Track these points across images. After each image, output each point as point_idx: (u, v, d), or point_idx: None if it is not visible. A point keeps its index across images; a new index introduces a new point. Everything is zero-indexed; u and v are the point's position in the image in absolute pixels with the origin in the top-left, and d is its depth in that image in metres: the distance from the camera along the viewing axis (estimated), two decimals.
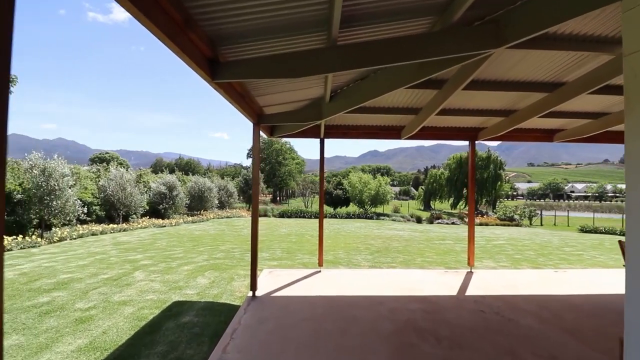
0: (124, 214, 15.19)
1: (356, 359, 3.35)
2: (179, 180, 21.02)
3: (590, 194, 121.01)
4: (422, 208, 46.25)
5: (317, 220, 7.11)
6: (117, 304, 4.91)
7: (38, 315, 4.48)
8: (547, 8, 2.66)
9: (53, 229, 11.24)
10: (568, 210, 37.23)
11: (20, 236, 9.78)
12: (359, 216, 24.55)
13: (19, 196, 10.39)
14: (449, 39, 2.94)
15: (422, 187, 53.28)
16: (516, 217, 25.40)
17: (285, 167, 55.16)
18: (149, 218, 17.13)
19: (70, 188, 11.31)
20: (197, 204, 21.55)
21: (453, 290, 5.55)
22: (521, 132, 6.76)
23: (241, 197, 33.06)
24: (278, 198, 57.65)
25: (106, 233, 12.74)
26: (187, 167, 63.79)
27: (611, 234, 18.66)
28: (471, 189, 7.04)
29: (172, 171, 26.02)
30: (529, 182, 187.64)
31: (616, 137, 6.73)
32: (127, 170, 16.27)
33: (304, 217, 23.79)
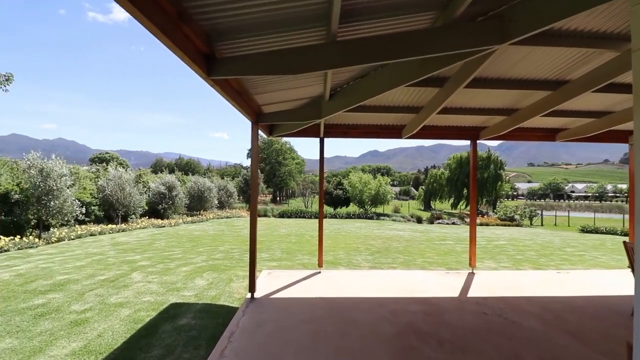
0: (122, 214, 15.12)
1: None
2: (179, 180, 20.94)
3: (590, 194, 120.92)
4: (423, 208, 46.17)
5: (317, 221, 7.03)
6: (113, 305, 4.83)
7: (33, 317, 4.40)
8: (553, 3, 2.58)
9: (51, 229, 11.17)
10: (569, 210, 37.17)
11: (18, 237, 9.70)
12: (359, 216, 24.47)
13: (16, 196, 10.32)
14: (451, 35, 2.87)
15: (422, 187, 53.20)
16: (517, 217, 25.33)
17: (285, 167, 55.08)
18: (148, 218, 17.05)
19: (68, 188, 11.24)
20: (197, 204, 21.47)
21: (455, 292, 5.47)
22: (523, 132, 6.68)
23: (241, 197, 33.02)
24: (278, 198, 57.57)
25: (105, 233, 12.67)
26: (187, 167, 63.74)
27: (612, 234, 18.57)
28: (473, 189, 6.96)
29: (171, 171, 25.95)
30: (529, 182, 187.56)
31: (619, 137, 6.65)
32: (126, 170, 16.19)
33: (303, 217, 23.72)
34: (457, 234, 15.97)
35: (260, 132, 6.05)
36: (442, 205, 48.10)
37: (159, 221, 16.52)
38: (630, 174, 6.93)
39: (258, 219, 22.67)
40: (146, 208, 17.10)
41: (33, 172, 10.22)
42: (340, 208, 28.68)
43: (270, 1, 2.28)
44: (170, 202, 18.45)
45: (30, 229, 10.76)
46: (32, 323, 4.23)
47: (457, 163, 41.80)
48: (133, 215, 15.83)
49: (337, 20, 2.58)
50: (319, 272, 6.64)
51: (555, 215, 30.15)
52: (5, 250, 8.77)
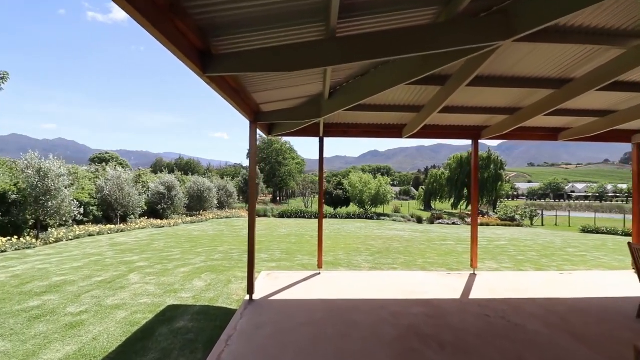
0: (121, 215, 15.04)
1: None
2: (178, 180, 20.87)
3: (590, 194, 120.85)
4: (423, 208, 46.10)
5: (317, 221, 6.96)
6: (109, 308, 4.75)
7: (27, 320, 4.32)
8: None
9: (49, 229, 11.09)
10: (569, 211, 37.09)
11: (15, 237, 9.62)
12: (359, 216, 24.40)
13: (14, 196, 10.24)
14: (454, 31, 2.79)
15: (423, 187, 53.13)
16: (517, 217, 25.25)
17: (285, 167, 55.01)
18: (147, 218, 16.97)
19: (66, 188, 11.16)
20: (196, 204, 21.40)
21: (456, 294, 5.39)
22: (525, 131, 6.61)
23: (241, 198, 32.95)
24: (278, 198, 57.51)
25: (103, 234, 12.59)
26: (187, 167, 63.66)
27: (613, 234, 18.50)
28: (474, 190, 6.88)
29: (171, 171, 25.87)
30: (530, 182, 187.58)
31: (623, 136, 6.58)
32: (125, 170, 16.10)
33: (303, 217, 23.64)
34: (457, 234, 15.89)
35: (259, 131, 5.98)
36: (443, 205, 48.04)
37: (158, 221, 16.44)
38: (634, 173, 6.86)
39: (258, 219, 22.47)
40: (145, 208, 17.01)
41: (30, 172, 10.13)
42: (341, 208, 28.61)
43: None
44: (170, 202, 18.38)
45: (28, 230, 10.68)
46: (27, 326, 4.15)
47: (458, 163, 41.74)
48: (132, 216, 15.75)
49: (337, 16, 2.50)
50: (319, 273, 6.56)
51: (556, 216, 30.08)
52: (2, 251, 8.69)
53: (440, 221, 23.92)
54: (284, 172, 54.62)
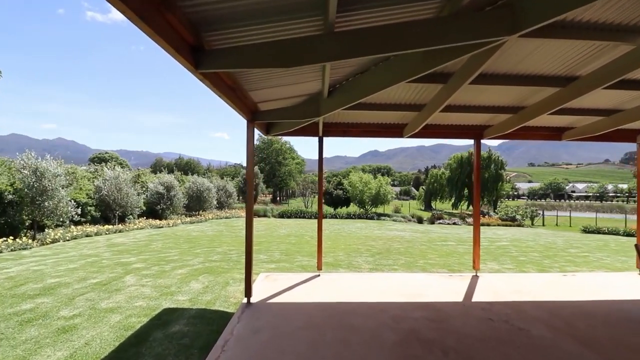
0: (120, 215, 14.93)
1: None
2: (178, 181, 20.76)
3: (591, 194, 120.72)
4: (423, 208, 46.00)
5: (317, 221, 6.84)
6: (103, 311, 4.64)
7: (19, 323, 4.22)
8: None
9: (46, 230, 10.99)
10: (570, 211, 37.00)
11: (11, 238, 9.52)
12: (359, 216, 24.28)
13: (10, 197, 10.13)
14: (457, 25, 2.68)
15: (423, 187, 53.02)
16: (518, 217, 25.14)
17: (285, 167, 54.89)
18: (146, 219, 16.86)
19: (63, 188, 11.05)
20: (196, 204, 21.29)
21: (459, 296, 5.28)
22: (528, 130, 6.49)
23: (240, 198, 32.85)
24: (278, 198, 57.40)
25: (101, 234, 12.48)
26: (187, 167, 63.56)
27: (614, 234, 18.39)
28: (476, 190, 6.76)
29: (171, 171, 25.77)
30: (530, 182, 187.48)
31: (628, 136, 6.47)
32: (123, 170, 16.00)
33: (303, 217, 23.54)
34: (458, 234, 15.78)
35: (257, 131, 5.87)
36: (443, 205, 47.94)
37: (157, 222, 16.34)
38: (639, 173, 6.75)
39: (258, 219, 22.35)
40: (144, 208, 16.91)
41: (27, 172, 10.03)
42: (341, 208, 28.50)
43: None
44: (169, 202, 18.27)
45: (25, 230, 10.57)
46: (18, 330, 4.05)
47: (458, 163, 41.64)
48: (130, 216, 15.65)
49: (335, 9, 2.39)
50: (318, 275, 6.45)
51: (557, 216, 29.97)
52: None
53: (440, 221, 23.81)
54: (284, 172, 54.50)
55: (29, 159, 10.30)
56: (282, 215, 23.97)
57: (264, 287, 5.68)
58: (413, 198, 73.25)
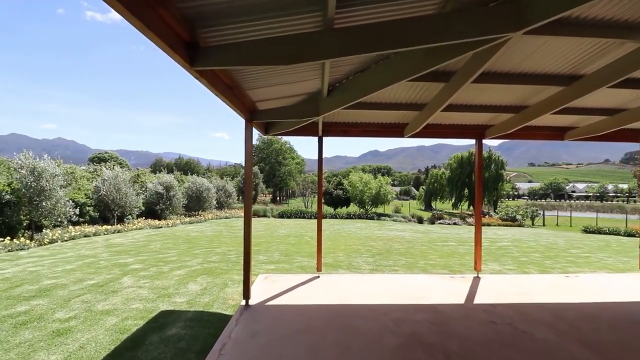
0: (118, 215, 14.86)
1: None
2: (177, 180, 20.69)
3: (591, 194, 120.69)
4: (423, 208, 45.93)
5: (316, 221, 6.76)
6: (99, 313, 4.57)
7: (13, 326, 4.14)
8: None
9: (44, 230, 10.91)
10: (570, 210, 36.93)
11: (8, 238, 9.44)
12: (359, 216, 24.21)
13: (7, 197, 10.05)
14: (461, 21, 2.60)
15: (423, 187, 52.96)
16: (518, 217, 25.07)
17: (285, 167, 54.82)
18: (145, 219, 16.79)
19: (62, 188, 10.98)
20: (195, 204, 21.22)
21: (460, 298, 5.20)
22: (530, 130, 6.41)
23: (240, 198, 32.77)
24: (278, 198, 57.32)
25: (99, 234, 12.40)
26: (186, 167, 63.44)
27: (615, 234, 18.33)
28: (478, 190, 6.68)
29: (170, 171, 25.70)
30: (530, 182, 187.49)
31: (631, 136, 6.39)
32: (122, 170, 15.92)
33: (303, 217, 23.46)
34: (458, 234, 15.71)
35: (256, 131, 5.80)
36: (443, 205, 47.86)
37: (156, 222, 16.26)
38: None
39: (257, 219, 22.24)
40: (143, 209, 16.83)
41: (24, 172, 9.95)
42: (341, 208, 28.42)
43: None
44: (168, 202, 18.20)
45: (22, 231, 10.50)
46: (12, 333, 3.97)
47: (458, 163, 41.57)
48: (129, 216, 15.57)
49: (334, 4, 2.31)
50: (318, 277, 6.37)
51: (557, 216, 29.90)
52: None
53: (441, 221, 23.74)
54: (284, 172, 54.43)
55: (26, 159, 10.23)
56: (281, 216, 23.90)
57: (262, 288, 5.61)
58: (413, 198, 73.18)
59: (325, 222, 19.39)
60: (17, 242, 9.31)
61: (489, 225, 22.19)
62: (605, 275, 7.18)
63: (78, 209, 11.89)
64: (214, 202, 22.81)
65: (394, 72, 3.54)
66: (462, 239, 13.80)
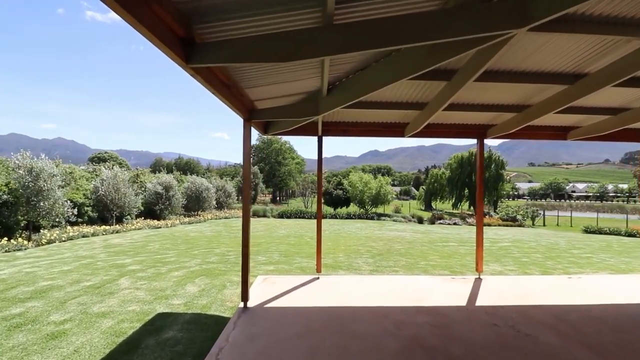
0: (117, 215, 14.78)
1: None
2: (177, 180, 20.61)
3: (591, 194, 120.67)
4: (423, 208, 45.86)
5: (316, 221, 6.69)
6: (95, 316, 4.49)
7: (7, 329, 4.07)
8: None
9: (41, 231, 10.84)
10: (571, 211, 36.87)
11: (6, 239, 9.37)
12: (359, 216, 24.14)
13: (4, 197, 9.97)
14: (464, 18, 2.53)
15: (423, 187, 52.88)
16: (519, 217, 25.00)
17: (285, 167, 54.74)
18: (144, 219, 16.72)
19: (60, 188, 10.90)
20: (195, 204, 21.15)
21: (462, 300, 5.13)
22: (532, 130, 6.34)
23: (240, 198, 32.68)
24: (278, 198, 57.24)
25: (97, 235, 12.32)
26: (186, 167, 63.32)
27: (616, 234, 18.26)
28: (479, 190, 6.60)
29: (170, 171, 25.63)
30: (530, 182, 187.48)
31: (635, 136, 6.31)
32: (121, 170, 15.84)
33: (303, 217, 23.40)
34: (459, 234, 15.64)
35: (256, 131, 5.73)
36: (443, 206, 47.80)
37: (155, 222, 16.19)
38: None
39: (257, 219, 22.13)
40: (142, 209, 16.76)
41: (22, 172, 9.87)
42: (341, 208, 28.35)
43: None
44: (167, 202, 18.13)
45: (20, 231, 10.42)
46: (5, 336, 3.90)
47: (458, 163, 41.50)
48: (128, 216, 15.50)
49: (333, 0, 2.24)
50: (318, 278, 6.30)
51: (558, 216, 29.83)
52: None
53: (441, 221, 23.67)
54: (284, 172, 54.34)
55: (24, 159, 10.15)
56: (281, 216, 23.83)
57: (261, 290, 5.53)
58: (413, 198, 73.10)
59: (325, 222, 19.32)
60: (15, 243, 9.23)
61: (489, 225, 22.12)
62: (607, 277, 7.11)
63: (76, 209, 11.82)
64: (214, 202, 22.73)
65: (394, 70, 3.47)
66: (462, 239, 13.73)
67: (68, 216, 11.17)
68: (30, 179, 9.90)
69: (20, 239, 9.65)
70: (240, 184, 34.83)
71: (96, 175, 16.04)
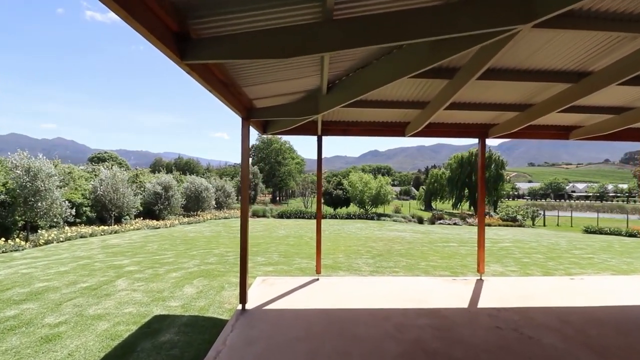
0: (116, 215, 14.70)
1: None
2: (176, 180, 20.53)
3: (591, 194, 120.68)
4: (423, 208, 45.80)
5: (316, 221, 6.62)
6: (91, 318, 4.42)
7: (0, 332, 3.99)
8: None
9: (39, 231, 10.75)
10: (571, 211, 36.80)
11: (3, 239, 9.28)
12: (359, 217, 24.06)
13: (2, 197, 9.89)
14: (467, 13, 2.46)
15: (423, 187, 52.82)
16: (519, 217, 24.93)
17: (284, 167, 54.65)
18: (143, 219, 16.64)
19: (58, 189, 10.82)
20: (194, 204, 21.07)
21: (464, 302, 5.06)
22: (534, 129, 6.26)
23: (239, 198, 32.63)
24: (277, 198, 57.15)
25: (96, 235, 12.24)
26: (186, 167, 63.21)
27: (617, 234, 18.20)
28: (481, 190, 6.53)
29: (170, 171, 25.55)
30: (530, 182, 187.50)
31: (637, 135, 6.24)
32: (120, 170, 15.76)
33: (303, 217, 23.32)
34: (459, 234, 15.57)
35: (256, 130, 5.66)
36: (443, 206, 47.73)
37: (154, 222, 16.11)
38: None
39: (257, 219, 22.04)
40: (141, 209, 16.68)
41: (18, 171, 9.79)
42: (340, 208, 28.28)
43: None
44: (166, 202, 18.05)
45: (17, 231, 10.34)
46: None
47: (458, 163, 41.42)
48: (127, 216, 15.42)
49: None
50: (317, 279, 6.22)
51: (558, 216, 29.76)
52: None
53: (441, 221, 23.60)
54: (284, 172, 54.25)
55: (21, 159, 10.07)
56: (281, 216, 23.76)
57: (260, 292, 5.46)
58: (413, 198, 73.02)
59: (325, 223, 19.24)
60: (12, 243, 9.15)
61: (489, 225, 22.05)
62: (610, 278, 7.04)
63: (74, 210, 11.74)
64: (213, 202, 22.66)
65: (396, 67, 3.40)
66: (463, 239, 13.66)
67: (66, 216, 11.09)
68: (27, 179, 9.82)
69: (17, 240, 9.57)
70: (239, 183, 34.81)
71: (95, 175, 15.95)
